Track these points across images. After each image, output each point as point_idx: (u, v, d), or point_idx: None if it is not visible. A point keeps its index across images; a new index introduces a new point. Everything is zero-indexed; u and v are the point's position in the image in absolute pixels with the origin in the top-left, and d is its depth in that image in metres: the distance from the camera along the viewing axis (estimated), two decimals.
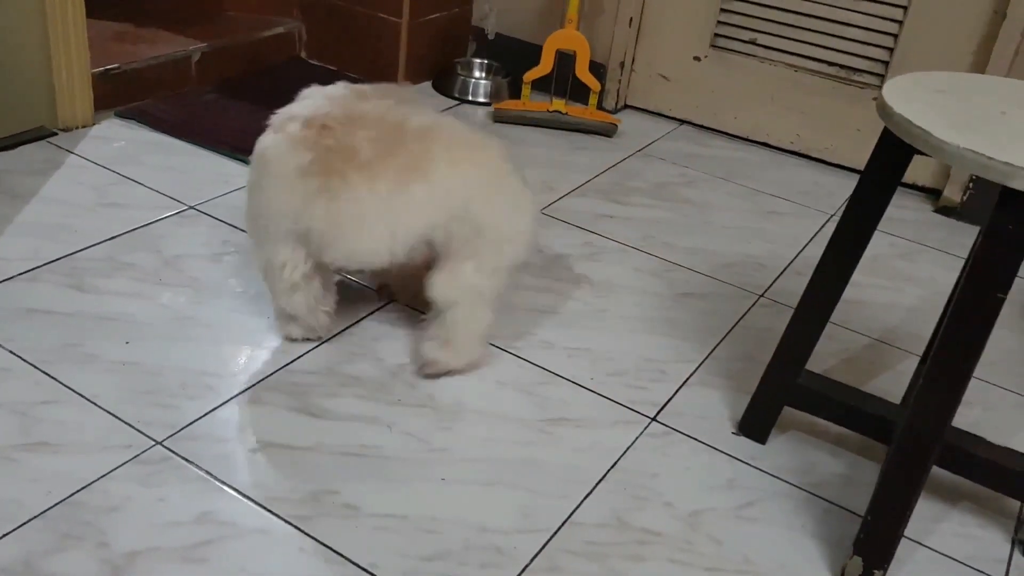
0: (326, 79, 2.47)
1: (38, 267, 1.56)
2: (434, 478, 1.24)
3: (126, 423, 1.26)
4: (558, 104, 2.39)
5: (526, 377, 1.46)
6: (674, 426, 1.40)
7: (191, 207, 1.80)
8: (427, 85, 2.57)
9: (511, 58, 2.58)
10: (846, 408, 1.33)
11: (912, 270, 1.94)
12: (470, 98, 2.52)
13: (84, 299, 1.50)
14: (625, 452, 1.33)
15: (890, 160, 1.18)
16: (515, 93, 2.50)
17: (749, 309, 1.72)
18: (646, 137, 2.41)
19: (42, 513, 1.11)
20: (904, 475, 1.14)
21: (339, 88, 1.41)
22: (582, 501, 1.24)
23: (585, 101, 2.43)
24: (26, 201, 1.74)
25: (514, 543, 1.16)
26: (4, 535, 1.08)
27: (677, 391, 1.48)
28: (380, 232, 1.31)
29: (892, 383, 1.56)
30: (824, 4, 2.24)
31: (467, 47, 2.71)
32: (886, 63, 2.22)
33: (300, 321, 1.44)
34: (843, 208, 1.26)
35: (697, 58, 2.44)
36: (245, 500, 1.17)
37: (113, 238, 1.67)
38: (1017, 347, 1.71)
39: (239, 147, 2.02)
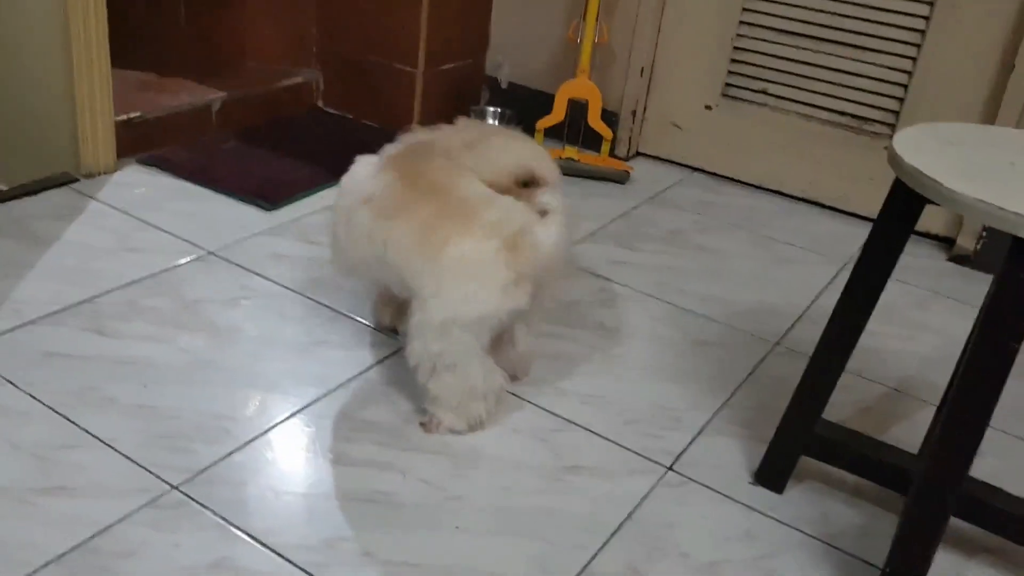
0: (342, 128, 2.52)
1: (59, 311, 1.58)
2: (448, 526, 1.24)
3: (143, 467, 1.26)
4: (571, 151, 2.42)
5: (541, 424, 1.46)
6: (690, 475, 1.39)
7: (210, 252, 1.82)
8: None
9: (524, 106, 2.62)
10: (863, 458, 1.32)
11: (927, 319, 1.94)
12: None
13: (104, 343, 1.51)
14: (641, 502, 1.33)
15: (902, 210, 1.19)
16: None
17: (764, 357, 1.72)
18: (659, 184, 2.43)
19: (58, 557, 1.12)
20: (922, 526, 1.13)
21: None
22: (598, 551, 1.23)
23: (597, 149, 2.46)
24: (49, 246, 1.76)
25: None
26: None
27: (693, 440, 1.48)
28: None
29: (908, 432, 1.55)
30: (834, 55, 2.27)
31: (481, 96, 2.75)
32: (896, 113, 2.25)
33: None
34: (857, 256, 1.27)
35: (708, 107, 2.47)
36: (260, 546, 1.17)
37: (133, 282, 1.69)
38: None
39: (258, 194, 2.05)
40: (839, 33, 2.25)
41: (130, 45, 2.38)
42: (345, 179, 1.49)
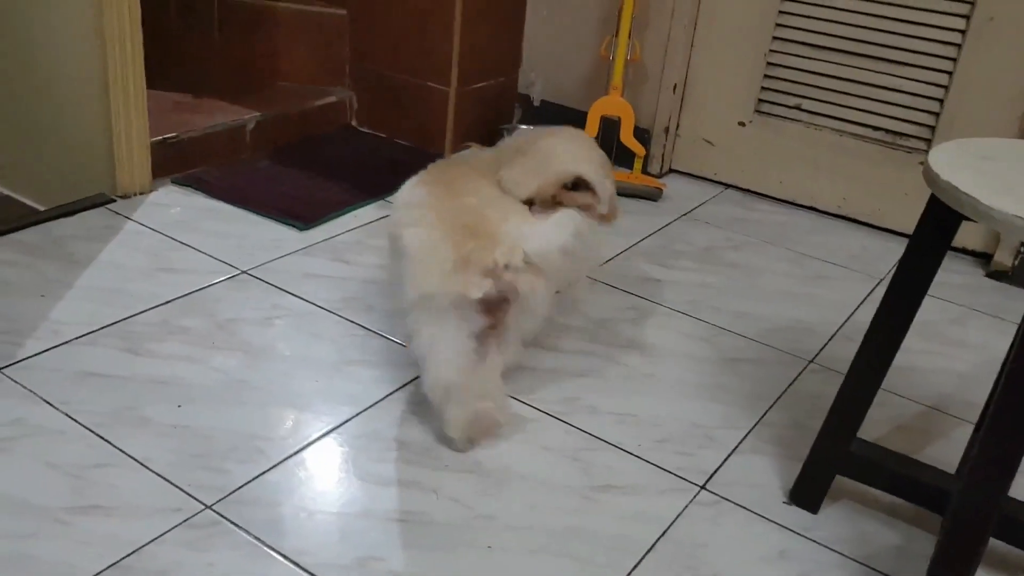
0: (375, 147, 2.54)
1: (95, 331, 1.60)
2: (480, 545, 1.24)
3: (177, 487, 1.28)
4: None
5: (572, 443, 1.46)
6: (724, 495, 1.38)
7: (244, 271, 1.84)
8: None
9: (557, 124, 2.62)
10: (899, 477, 1.30)
11: (964, 335, 1.91)
12: None
13: (139, 362, 1.53)
14: (674, 521, 1.32)
15: (938, 226, 1.17)
16: None
17: (799, 375, 1.70)
18: (691, 201, 2.42)
19: None
20: (961, 548, 1.11)
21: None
22: (630, 572, 1.22)
23: (630, 166, 2.45)
24: (85, 266, 1.79)
25: None
26: None
27: (726, 459, 1.46)
28: None
29: (946, 451, 1.53)
30: (868, 70, 2.25)
31: (513, 114, 2.76)
32: (932, 128, 2.22)
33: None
34: (892, 273, 1.25)
35: (742, 123, 2.46)
36: (293, 566, 1.17)
37: (168, 302, 1.71)
38: None
39: (291, 213, 2.07)
40: (874, 48, 2.23)
41: (165, 66, 2.42)
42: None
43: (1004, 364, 1.36)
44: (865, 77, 2.26)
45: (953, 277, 2.14)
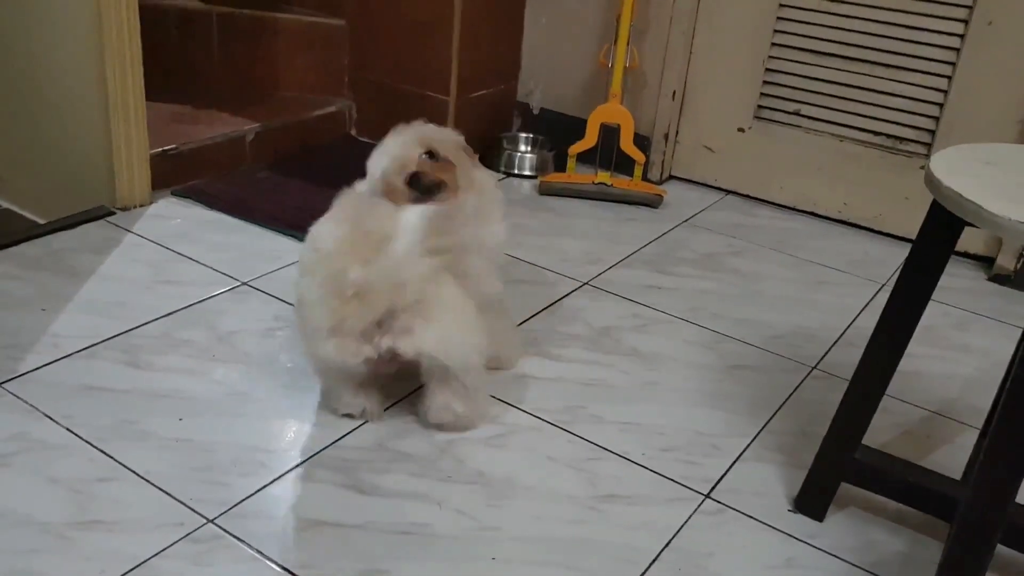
0: None
1: (95, 344, 1.59)
2: (485, 557, 1.23)
3: (179, 500, 1.27)
4: (603, 176, 2.41)
5: (576, 453, 1.45)
6: (729, 503, 1.37)
7: (244, 283, 1.83)
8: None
9: (556, 132, 2.62)
10: (905, 484, 1.30)
11: (968, 340, 1.90)
12: (516, 172, 2.55)
13: (140, 376, 1.52)
14: (679, 530, 1.31)
15: (941, 232, 1.17)
16: (560, 166, 2.53)
17: (802, 382, 1.70)
18: (692, 208, 2.42)
19: None
20: (968, 555, 1.10)
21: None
22: None
23: (630, 173, 2.45)
24: (85, 279, 1.79)
25: None
26: None
27: (731, 467, 1.45)
28: None
29: (951, 457, 1.52)
30: (868, 75, 2.25)
31: (513, 122, 2.76)
32: (932, 132, 2.22)
33: None
34: (894, 278, 1.25)
35: (741, 129, 2.46)
36: None
37: (168, 315, 1.70)
38: None
39: (292, 224, 2.07)
40: (872, 53, 2.23)
41: (164, 78, 2.42)
42: None
43: (1009, 369, 1.36)
44: (864, 82, 2.26)
45: (955, 281, 2.14)
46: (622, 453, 1.46)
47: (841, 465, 1.31)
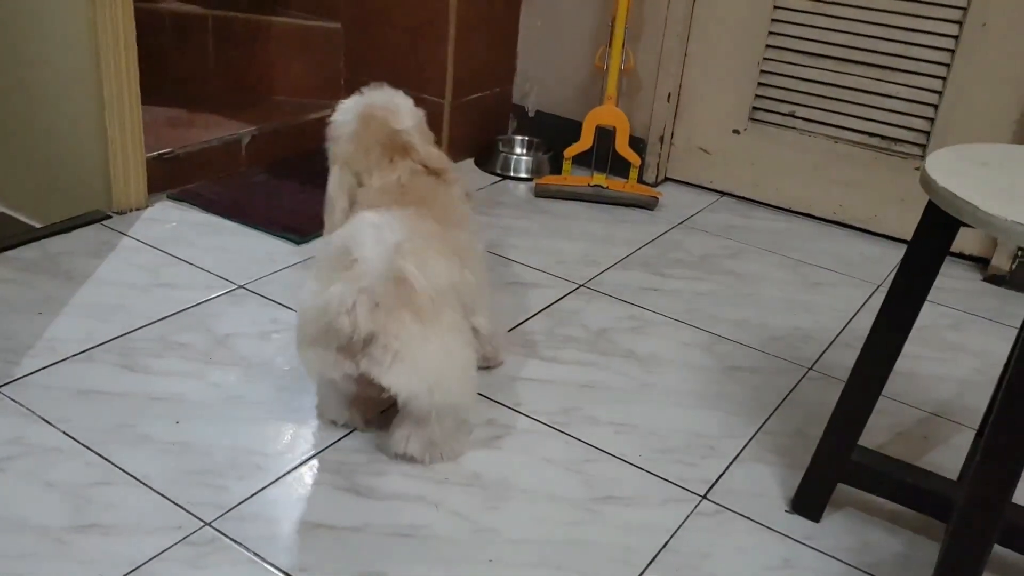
0: None
1: (92, 348, 1.59)
2: (482, 559, 1.23)
3: (176, 504, 1.27)
4: (599, 178, 2.42)
5: (573, 454, 1.45)
6: (726, 504, 1.37)
7: (241, 286, 1.83)
8: (470, 162, 2.62)
9: (552, 134, 2.63)
10: (902, 485, 1.30)
11: (963, 341, 1.90)
12: (512, 174, 2.55)
13: (136, 379, 1.52)
14: (676, 532, 1.31)
15: (936, 232, 1.17)
16: (556, 168, 2.53)
17: (798, 383, 1.70)
18: (688, 209, 2.42)
19: None
20: (964, 555, 1.10)
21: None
22: None
23: (625, 175, 2.46)
24: (81, 283, 1.78)
25: None
26: None
27: (728, 468, 1.45)
28: None
29: (948, 458, 1.52)
30: (862, 76, 2.25)
31: (508, 124, 2.76)
32: (927, 133, 2.22)
33: None
34: (890, 278, 1.25)
35: (736, 131, 2.46)
36: None
37: (165, 318, 1.70)
38: None
39: (288, 227, 2.07)
40: (867, 54, 2.23)
41: (160, 82, 2.42)
42: None
43: (1005, 369, 1.36)
44: (859, 84, 2.27)
45: (951, 282, 2.14)
46: (619, 455, 1.46)
47: (838, 466, 1.32)
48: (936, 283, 1.21)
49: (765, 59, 2.36)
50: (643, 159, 2.53)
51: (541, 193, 2.43)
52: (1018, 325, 1.98)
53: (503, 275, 1.99)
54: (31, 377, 1.50)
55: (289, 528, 1.25)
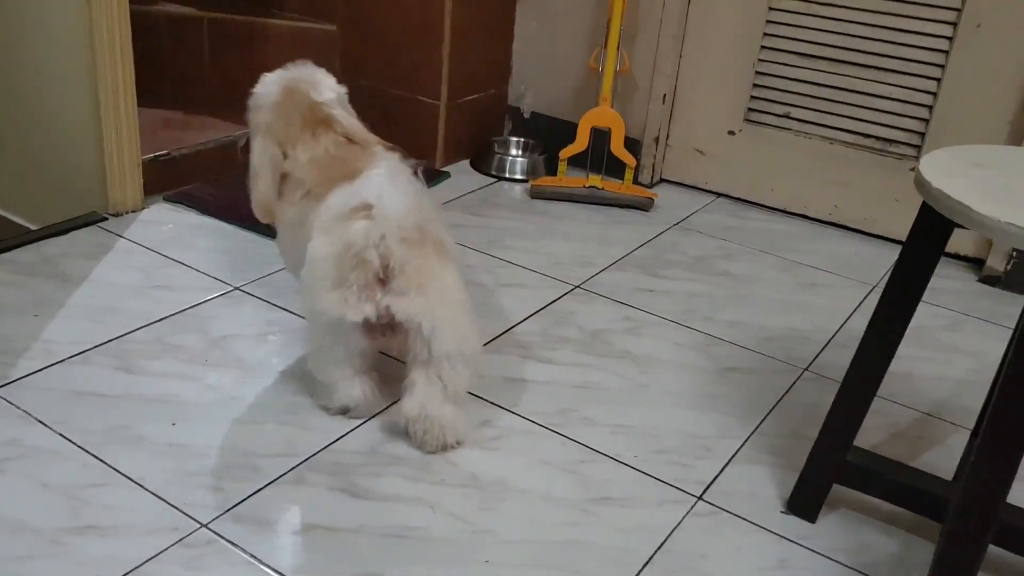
0: None
1: (88, 350, 1.59)
2: (478, 560, 1.23)
3: (172, 505, 1.27)
4: (594, 180, 2.42)
5: (568, 455, 1.45)
6: (721, 505, 1.38)
7: (236, 288, 1.83)
8: (465, 163, 2.62)
9: (547, 136, 2.63)
10: (897, 485, 1.30)
11: (958, 341, 1.91)
12: (507, 175, 2.56)
13: (132, 381, 1.52)
14: (672, 532, 1.31)
15: (931, 233, 1.18)
16: (551, 170, 2.54)
17: (794, 383, 1.70)
18: (683, 211, 2.43)
19: None
20: (959, 555, 1.11)
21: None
22: None
23: (621, 176, 2.46)
24: (77, 285, 1.78)
25: None
26: None
27: (723, 469, 1.46)
28: None
29: (943, 458, 1.53)
30: (857, 77, 2.26)
31: (504, 126, 2.76)
32: (922, 134, 2.23)
33: None
34: (885, 279, 1.26)
35: (731, 132, 2.47)
36: None
37: (161, 320, 1.70)
38: None
39: None
40: (861, 56, 2.24)
41: (155, 84, 2.42)
42: None
43: (999, 370, 1.37)
44: (854, 85, 2.27)
45: (946, 283, 2.15)
46: (615, 456, 1.46)
47: (833, 466, 1.32)
48: (931, 284, 1.21)
49: (760, 60, 2.37)
50: (638, 160, 2.53)
51: (536, 194, 2.43)
52: (1013, 326, 1.98)
53: (499, 276, 1.99)
54: (27, 379, 1.50)
55: (285, 530, 1.25)
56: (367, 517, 1.28)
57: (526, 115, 2.72)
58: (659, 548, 1.28)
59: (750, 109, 2.43)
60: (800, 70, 2.33)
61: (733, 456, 1.49)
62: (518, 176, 2.55)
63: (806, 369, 1.75)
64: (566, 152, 2.45)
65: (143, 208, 2.11)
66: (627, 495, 1.38)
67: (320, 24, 2.62)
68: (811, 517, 1.36)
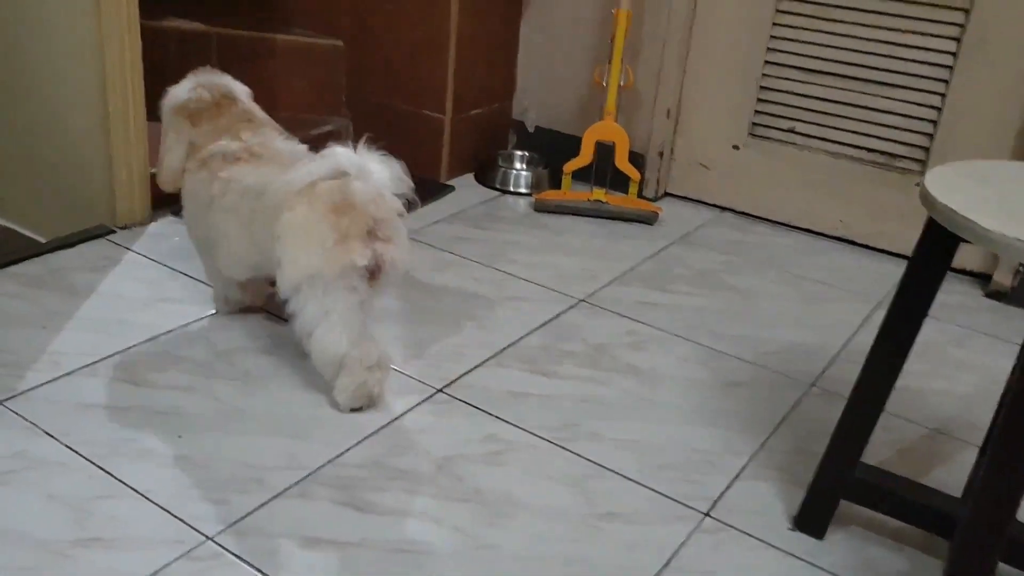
0: None
1: (95, 362, 1.59)
2: (482, 575, 1.23)
3: (178, 518, 1.27)
4: (599, 193, 2.43)
5: (574, 470, 1.45)
6: (728, 522, 1.37)
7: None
8: (470, 177, 2.62)
9: (551, 150, 2.64)
10: (905, 502, 1.30)
11: (965, 357, 1.91)
12: (511, 189, 2.56)
13: (139, 393, 1.52)
14: (678, 549, 1.31)
15: (937, 249, 1.18)
16: (556, 183, 2.54)
17: (800, 399, 1.70)
18: (688, 224, 2.43)
19: None
20: (968, 573, 1.10)
21: None
22: None
23: (625, 190, 2.46)
24: (85, 297, 1.79)
25: None
26: None
27: (730, 485, 1.45)
28: None
29: (951, 475, 1.52)
30: (861, 92, 2.27)
31: (508, 140, 2.77)
32: (927, 149, 2.23)
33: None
34: (891, 294, 1.25)
35: (736, 146, 2.47)
36: None
37: (168, 332, 1.70)
38: None
39: None
40: (866, 71, 2.25)
41: (163, 97, 2.42)
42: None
43: (1007, 386, 1.36)
44: (858, 99, 2.28)
45: (952, 298, 2.15)
46: (620, 471, 1.46)
47: (840, 483, 1.32)
48: (937, 299, 1.21)
49: (764, 75, 2.38)
50: (643, 174, 2.54)
51: (540, 208, 2.43)
52: (1020, 341, 1.98)
53: (503, 290, 1.99)
54: (35, 391, 1.50)
55: (290, 543, 1.25)
56: (371, 531, 1.28)
57: (531, 129, 2.73)
58: (665, 565, 1.28)
59: (754, 124, 2.43)
60: (804, 85, 2.34)
61: (740, 472, 1.49)
62: (522, 189, 2.56)
63: (812, 384, 1.75)
64: (570, 166, 2.46)
65: (150, 221, 2.11)
66: (633, 511, 1.37)
67: (327, 40, 2.63)
68: (818, 534, 1.36)
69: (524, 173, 2.59)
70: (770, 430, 1.60)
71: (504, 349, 1.76)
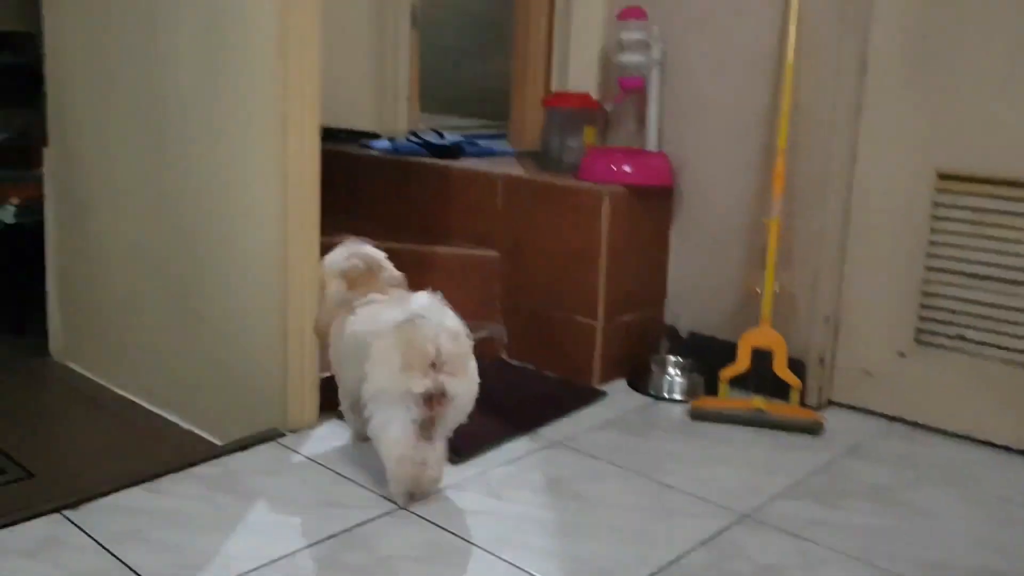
0: (525, 378, 2.59)
1: (262, 566, 1.63)
2: None
3: None
4: (758, 401, 2.37)
5: None
6: None
7: (401, 508, 1.85)
8: (622, 383, 2.62)
9: (706, 355, 2.62)
10: None
11: None
12: (666, 395, 2.54)
13: None
14: None
15: None
16: (711, 390, 2.51)
17: None
18: (854, 435, 2.33)
19: None
20: None
21: None
22: None
23: (786, 397, 2.40)
24: (255, 500, 1.85)
25: None
26: None
27: None
28: None
29: None
30: None
31: (661, 345, 2.78)
32: None
33: None
34: None
35: (902, 353, 2.39)
36: None
37: (331, 537, 1.73)
38: None
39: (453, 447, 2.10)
40: None
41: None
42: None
43: None
44: None
45: None
46: None
47: None
48: None
49: (926, 281, 2.33)
50: (804, 382, 2.47)
51: (698, 416, 2.39)
52: None
53: (659, 501, 1.94)
54: None
55: None
56: None
57: (683, 335, 2.73)
58: None
59: (919, 330, 2.36)
60: (970, 290, 2.27)
61: None
62: (677, 396, 2.53)
63: None
64: (727, 372, 2.43)
65: (318, 425, 2.20)
66: None
67: (483, 251, 2.77)
68: None
69: (679, 379, 2.57)
70: None
71: (665, 567, 1.69)
